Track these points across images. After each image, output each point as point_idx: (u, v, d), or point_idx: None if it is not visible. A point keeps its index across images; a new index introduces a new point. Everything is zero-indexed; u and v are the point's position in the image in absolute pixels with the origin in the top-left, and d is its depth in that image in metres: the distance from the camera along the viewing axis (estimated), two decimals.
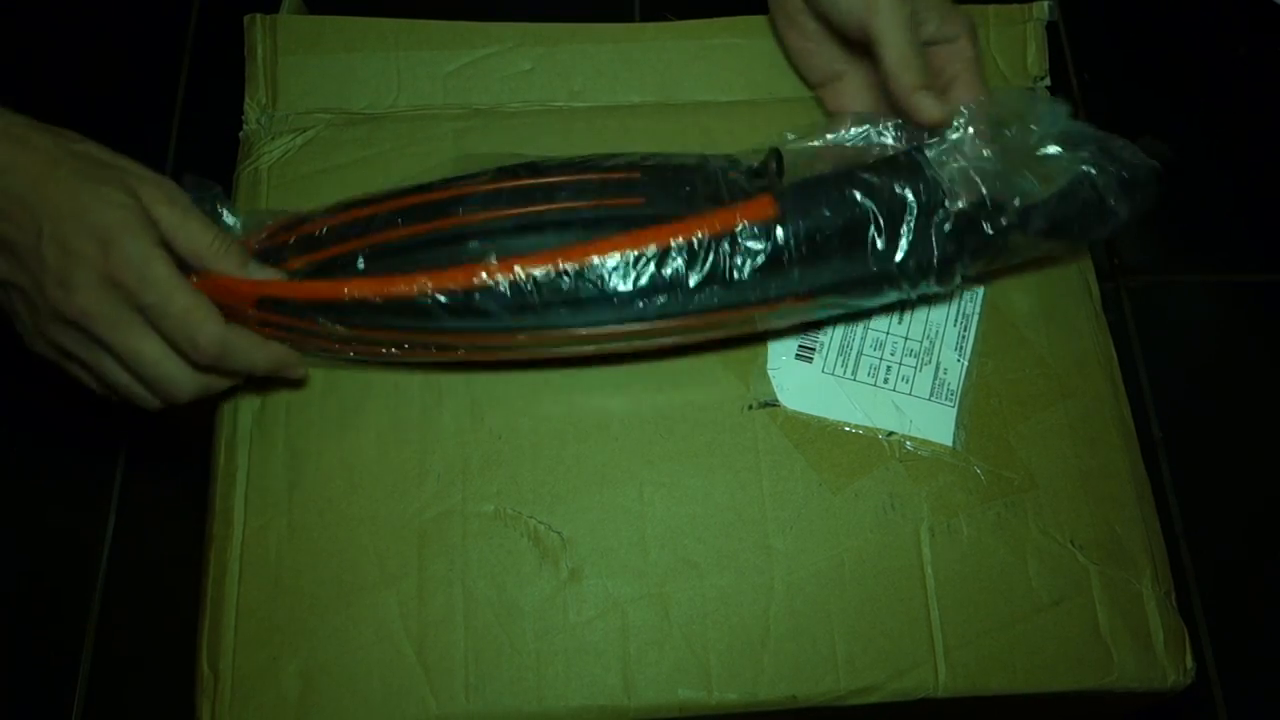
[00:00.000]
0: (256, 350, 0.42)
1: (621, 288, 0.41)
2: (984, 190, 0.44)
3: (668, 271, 0.42)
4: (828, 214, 0.42)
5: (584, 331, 0.43)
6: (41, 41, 0.82)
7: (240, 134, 0.52)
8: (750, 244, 0.42)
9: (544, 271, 0.41)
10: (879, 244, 0.43)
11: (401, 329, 0.42)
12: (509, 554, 0.44)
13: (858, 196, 0.43)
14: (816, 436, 0.47)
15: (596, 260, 0.41)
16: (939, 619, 0.44)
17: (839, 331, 0.49)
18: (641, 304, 0.42)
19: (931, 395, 0.48)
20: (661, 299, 0.42)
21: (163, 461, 0.70)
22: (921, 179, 0.43)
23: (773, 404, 0.47)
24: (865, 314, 0.49)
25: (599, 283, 0.41)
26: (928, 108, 0.45)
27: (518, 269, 0.41)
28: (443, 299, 0.41)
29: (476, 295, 0.41)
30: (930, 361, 0.48)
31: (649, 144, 0.50)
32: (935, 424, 0.47)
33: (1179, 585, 0.46)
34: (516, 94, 0.53)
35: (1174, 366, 0.76)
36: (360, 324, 0.42)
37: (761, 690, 0.43)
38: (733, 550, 0.45)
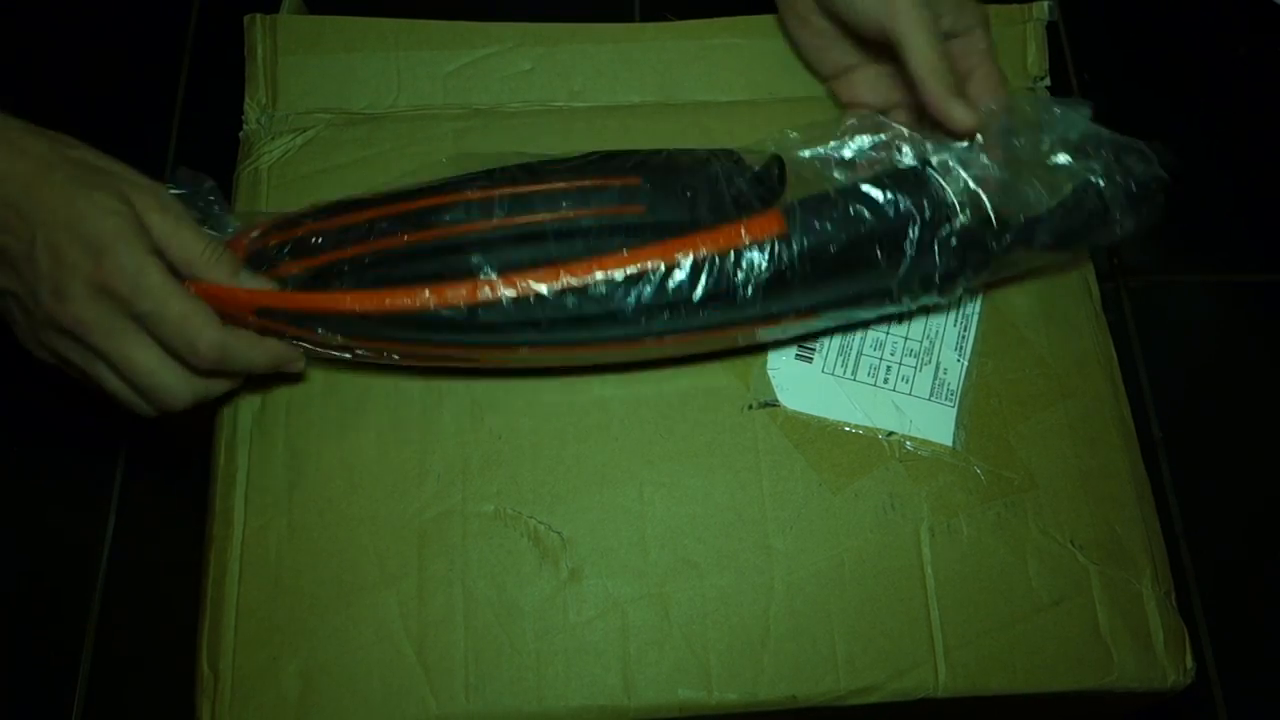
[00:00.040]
0: (255, 350, 0.42)
1: (626, 304, 0.41)
2: (989, 205, 0.44)
3: (672, 288, 0.41)
4: (835, 232, 0.42)
5: (586, 347, 0.43)
6: (41, 41, 0.82)
7: (240, 134, 0.52)
8: (756, 262, 0.41)
9: (548, 287, 0.41)
10: (883, 261, 0.43)
11: (403, 340, 0.42)
12: (509, 554, 0.44)
13: (865, 214, 0.42)
14: (816, 436, 0.47)
15: (601, 276, 0.41)
16: (939, 619, 0.44)
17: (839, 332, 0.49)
18: (644, 320, 0.42)
19: (931, 395, 0.48)
20: (665, 315, 0.42)
21: (163, 462, 0.70)
22: (928, 196, 0.43)
23: (773, 404, 0.47)
24: (864, 321, 0.49)
25: (603, 299, 0.41)
26: (960, 116, 0.45)
27: (520, 284, 0.41)
28: (444, 313, 0.41)
29: (479, 310, 0.41)
30: (930, 361, 0.48)
31: (649, 144, 0.50)
32: (935, 424, 0.47)
33: (1179, 585, 0.46)
34: (516, 94, 0.53)
35: (1174, 366, 0.76)
36: (360, 334, 0.42)
37: (761, 690, 0.43)
38: (733, 550, 0.45)
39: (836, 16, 0.49)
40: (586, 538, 0.45)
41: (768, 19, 0.55)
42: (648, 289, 0.41)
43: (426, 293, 0.41)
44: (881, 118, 0.47)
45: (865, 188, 0.43)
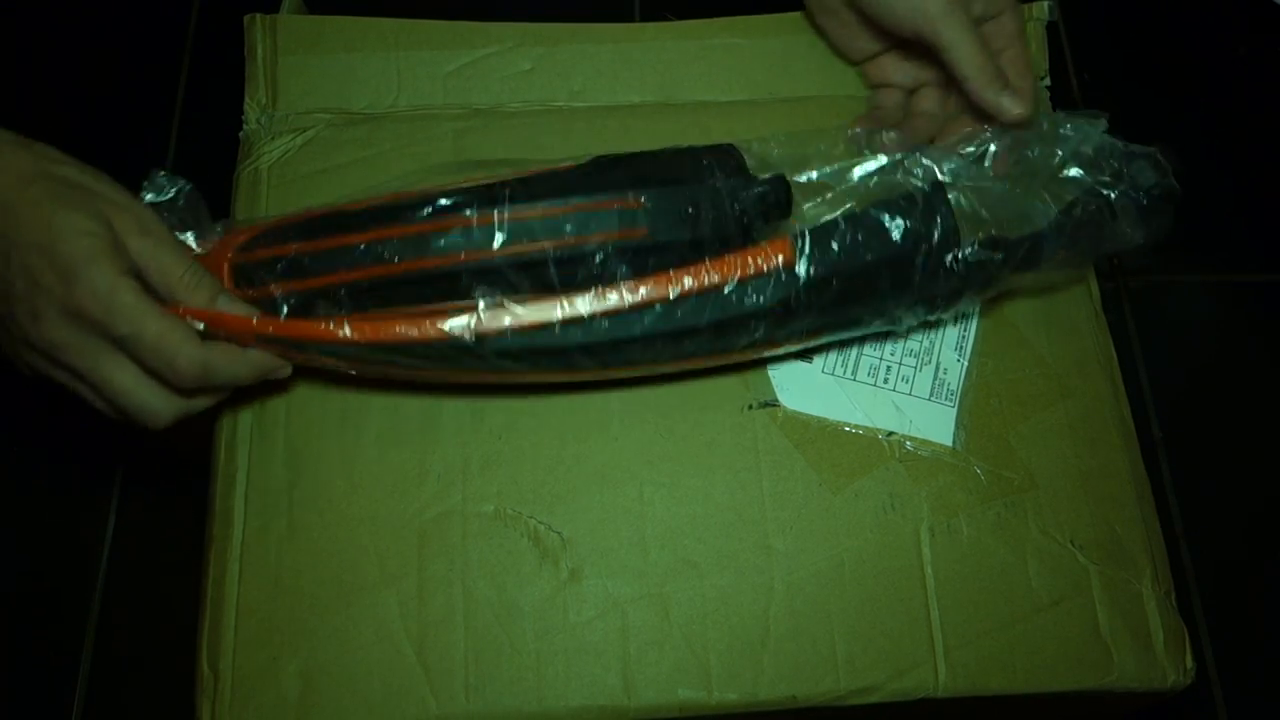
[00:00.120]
0: (238, 363, 0.41)
1: (631, 332, 0.41)
2: (995, 227, 0.44)
3: (677, 318, 0.41)
4: (843, 260, 0.42)
5: (588, 371, 0.43)
6: (41, 41, 0.82)
7: (240, 134, 0.52)
8: (762, 291, 0.41)
9: (550, 318, 0.40)
10: (890, 287, 0.43)
11: (402, 365, 0.41)
12: (509, 554, 0.44)
13: (873, 242, 0.42)
14: (816, 436, 0.47)
15: (605, 307, 0.41)
16: (939, 619, 0.44)
17: None
18: (648, 348, 0.42)
19: (931, 395, 0.48)
20: (669, 343, 0.42)
21: (163, 462, 0.70)
22: (937, 225, 0.42)
23: (773, 404, 0.47)
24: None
25: (607, 330, 0.41)
26: (1008, 107, 0.45)
27: (523, 314, 0.40)
28: (446, 342, 0.40)
29: (481, 339, 0.40)
30: (930, 361, 0.48)
31: (649, 144, 0.50)
32: (935, 424, 0.47)
33: (1179, 585, 0.46)
34: (516, 94, 0.53)
35: (1174, 366, 0.76)
36: (357, 359, 0.41)
37: (761, 690, 0.43)
38: (733, 550, 0.45)
39: (868, 15, 0.49)
40: (586, 538, 0.45)
41: (768, 19, 0.55)
42: (651, 319, 0.41)
43: (427, 323, 0.40)
44: (889, 135, 0.47)
45: (873, 214, 0.42)
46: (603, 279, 0.41)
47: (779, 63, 0.54)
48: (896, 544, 0.45)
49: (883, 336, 0.49)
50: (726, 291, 0.41)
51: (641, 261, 0.41)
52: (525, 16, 0.54)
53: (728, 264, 0.41)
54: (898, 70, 0.52)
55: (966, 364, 0.49)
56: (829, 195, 0.45)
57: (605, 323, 0.41)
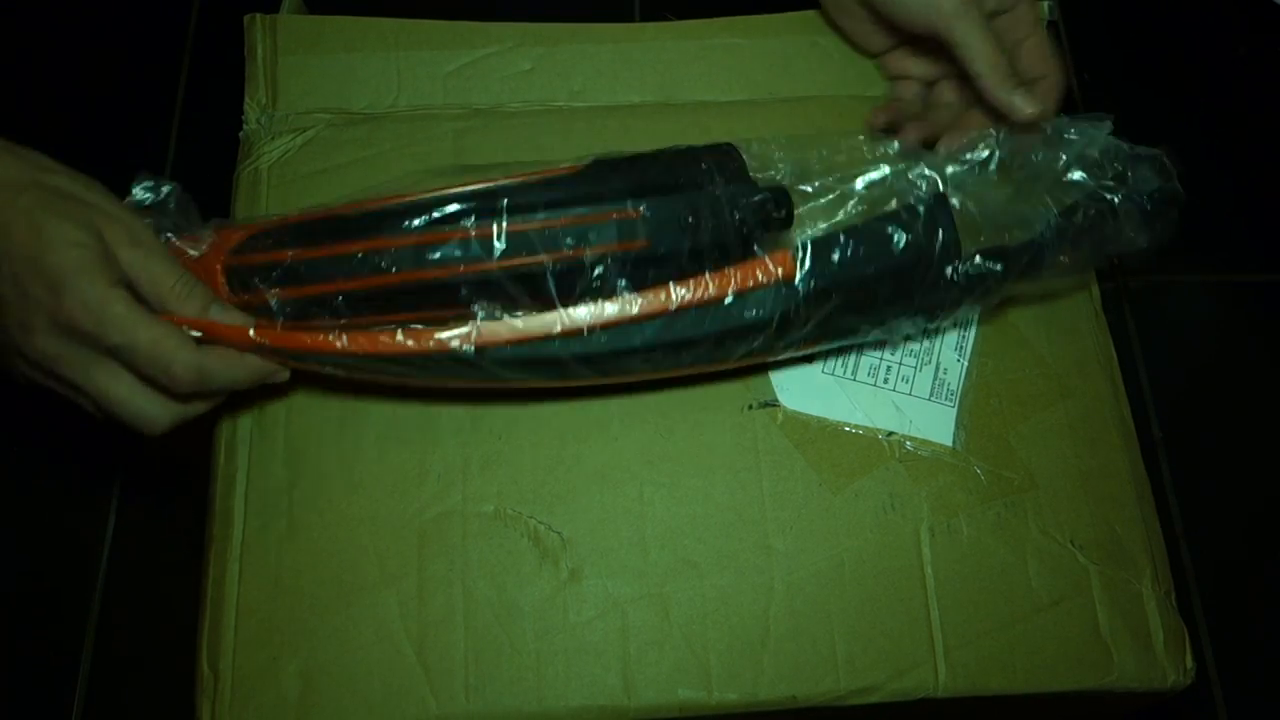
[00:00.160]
0: (235, 367, 0.40)
1: (630, 343, 0.41)
2: (1000, 235, 0.43)
3: (678, 328, 0.41)
4: (845, 273, 0.42)
5: (587, 381, 0.43)
6: (42, 41, 0.82)
7: (240, 134, 0.52)
8: (763, 304, 0.41)
9: (549, 331, 0.40)
10: (891, 300, 0.43)
11: (398, 375, 0.41)
12: (509, 554, 0.44)
13: (875, 255, 0.42)
14: (816, 436, 0.47)
15: (604, 319, 0.40)
16: (939, 619, 0.44)
17: None
18: (647, 358, 0.42)
19: (931, 395, 0.48)
20: (667, 354, 0.42)
21: (163, 462, 0.70)
22: (939, 238, 0.42)
23: (773, 404, 0.47)
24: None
25: (606, 342, 0.41)
26: (1020, 106, 0.45)
27: (521, 327, 0.40)
28: (444, 354, 0.40)
29: (479, 351, 0.40)
30: (930, 361, 0.48)
31: (649, 144, 0.50)
32: (935, 424, 0.47)
33: (1179, 585, 0.46)
34: (516, 94, 0.53)
35: (1174, 366, 0.76)
36: (355, 368, 0.41)
37: (761, 690, 0.43)
38: (733, 550, 0.45)
39: (880, 13, 0.49)
40: (586, 538, 0.45)
41: (768, 19, 0.55)
42: (650, 331, 0.41)
43: (425, 335, 0.40)
44: (892, 144, 0.46)
45: (875, 226, 0.42)
46: (602, 291, 0.41)
47: (779, 63, 0.54)
48: (896, 544, 0.45)
49: None
50: (726, 304, 0.41)
51: (641, 272, 0.41)
52: (525, 16, 0.54)
53: (728, 276, 0.41)
54: (914, 64, 0.52)
55: (966, 364, 0.49)
56: (830, 203, 0.45)
57: (604, 335, 0.40)
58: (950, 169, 0.45)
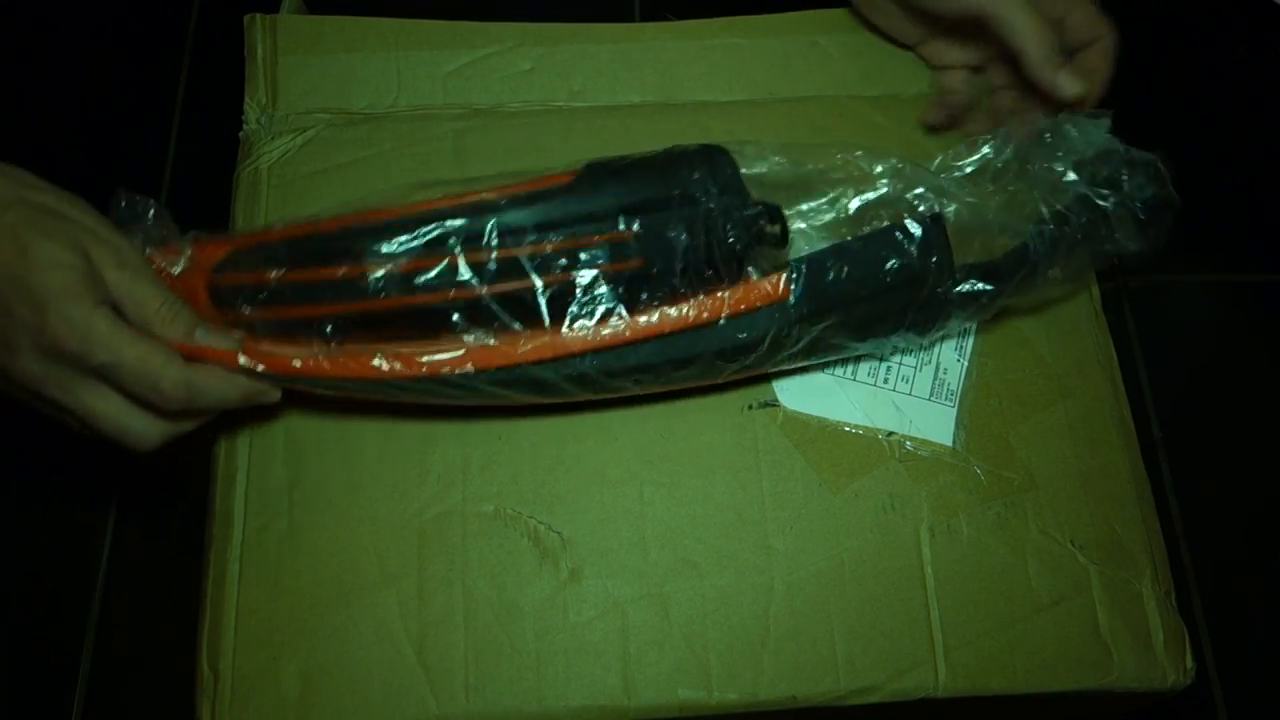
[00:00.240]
0: (225, 385, 0.40)
1: (625, 363, 0.41)
2: (994, 245, 0.43)
3: (671, 350, 0.41)
4: (839, 295, 0.42)
5: (579, 399, 0.43)
6: (42, 41, 0.82)
7: (240, 134, 0.52)
8: (758, 325, 0.41)
9: (540, 356, 0.40)
10: (884, 320, 0.43)
11: (388, 396, 0.41)
12: (509, 554, 0.44)
13: (871, 279, 0.42)
14: (816, 436, 0.47)
15: (600, 342, 0.40)
16: (939, 619, 0.44)
17: None
18: (639, 380, 0.42)
19: (931, 395, 0.48)
20: (660, 372, 0.42)
21: (163, 462, 0.70)
22: (933, 260, 0.42)
23: (773, 404, 0.47)
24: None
25: (600, 363, 0.40)
26: (1065, 86, 0.45)
27: (514, 353, 0.40)
28: (434, 379, 0.40)
29: (479, 376, 0.40)
30: (930, 361, 0.48)
31: (649, 144, 0.50)
32: (935, 424, 0.47)
33: (1179, 585, 0.46)
34: (516, 94, 0.53)
35: (1174, 366, 0.76)
36: (346, 390, 0.41)
37: (761, 690, 0.43)
38: (733, 550, 0.45)
39: (917, 5, 0.49)
40: (586, 538, 0.45)
41: (768, 19, 0.55)
42: (643, 352, 0.41)
43: (414, 360, 0.39)
44: (889, 159, 0.45)
45: (870, 248, 0.42)
46: (594, 312, 0.40)
47: (779, 63, 0.54)
48: (896, 544, 0.45)
49: None
50: (720, 324, 0.41)
51: (634, 291, 0.41)
52: (525, 16, 0.54)
53: (721, 300, 0.41)
54: (956, 51, 0.52)
55: (966, 364, 0.49)
56: (826, 224, 0.44)
57: (595, 358, 0.40)
58: (946, 177, 0.45)
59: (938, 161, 0.46)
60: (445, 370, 0.40)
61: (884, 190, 0.43)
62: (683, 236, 0.41)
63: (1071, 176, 0.45)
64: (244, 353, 0.39)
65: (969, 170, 0.45)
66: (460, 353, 0.40)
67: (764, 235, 0.42)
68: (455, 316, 0.40)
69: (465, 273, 0.40)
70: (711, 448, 0.46)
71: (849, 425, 0.47)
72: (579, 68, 0.53)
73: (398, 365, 0.39)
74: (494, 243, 0.40)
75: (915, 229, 0.42)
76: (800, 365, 0.45)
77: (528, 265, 0.40)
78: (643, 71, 0.54)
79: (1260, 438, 0.74)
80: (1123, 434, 0.48)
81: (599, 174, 0.42)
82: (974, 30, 0.49)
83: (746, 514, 0.45)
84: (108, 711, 0.63)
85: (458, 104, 0.52)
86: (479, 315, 0.40)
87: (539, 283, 0.40)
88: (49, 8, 0.83)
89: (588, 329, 0.40)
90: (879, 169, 0.44)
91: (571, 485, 0.45)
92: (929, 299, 0.43)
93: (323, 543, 0.44)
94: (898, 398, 0.48)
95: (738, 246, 0.41)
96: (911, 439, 0.47)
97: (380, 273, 0.40)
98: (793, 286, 0.41)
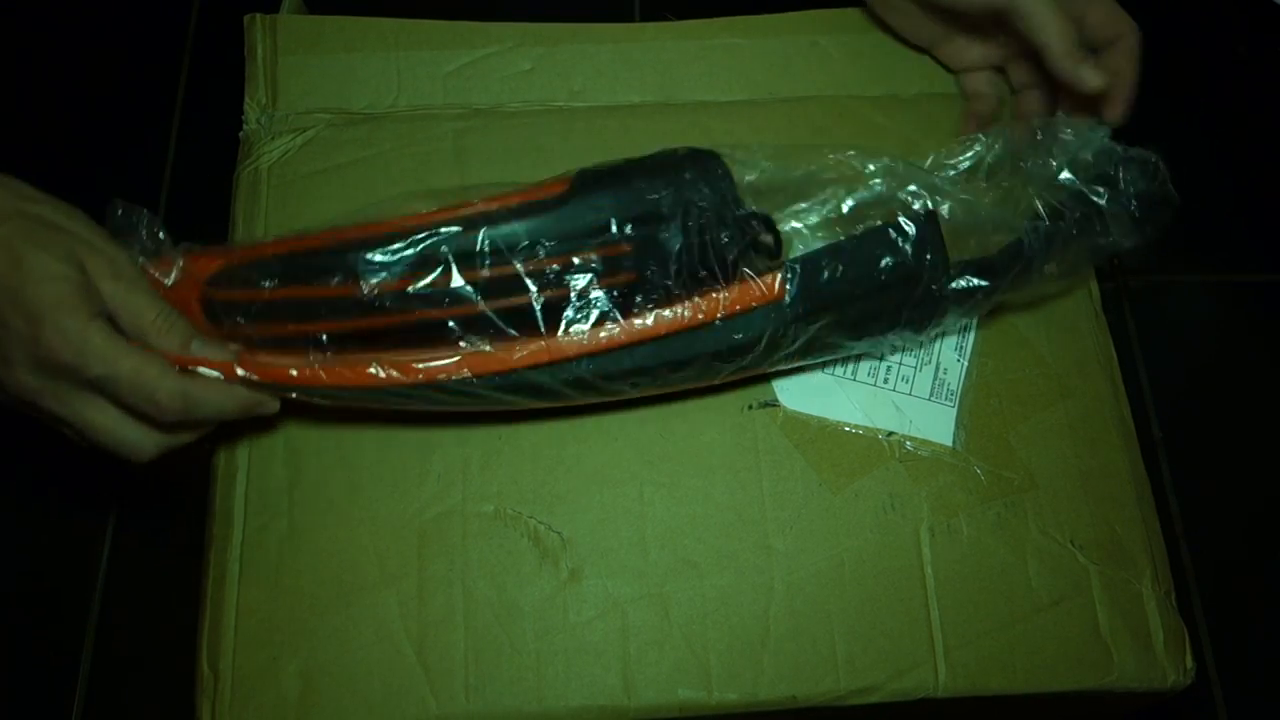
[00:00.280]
0: (222, 395, 0.40)
1: (621, 366, 0.41)
2: (989, 242, 0.43)
3: (667, 352, 0.41)
4: (834, 294, 0.42)
5: (577, 402, 0.43)
6: (42, 41, 0.82)
7: (240, 134, 0.52)
8: (753, 326, 0.41)
9: (537, 361, 0.40)
10: (879, 318, 0.43)
11: (385, 404, 0.41)
12: (509, 554, 0.44)
13: (866, 278, 0.42)
14: (816, 436, 0.47)
15: (596, 346, 0.40)
16: (939, 619, 0.44)
17: None
18: (636, 383, 0.42)
19: (931, 395, 0.48)
20: (657, 375, 0.42)
21: (163, 462, 0.70)
22: (928, 258, 0.42)
23: (773, 404, 0.47)
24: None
25: (596, 367, 0.41)
26: (1088, 79, 0.45)
27: (510, 360, 0.40)
28: (430, 386, 0.40)
29: (476, 382, 0.40)
30: (930, 361, 0.48)
31: (649, 144, 0.50)
32: (935, 424, 0.47)
33: (1179, 585, 0.46)
34: (516, 94, 0.53)
35: (1174, 366, 0.76)
36: (343, 399, 0.41)
37: (761, 690, 0.43)
38: (733, 550, 0.45)
39: (935, 2, 0.49)
40: (586, 538, 0.45)
41: (768, 19, 0.55)
42: (640, 355, 0.41)
43: (412, 368, 0.39)
44: (881, 158, 0.45)
45: (864, 247, 0.42)
46: (589, 318, 0.40)
47: (779, 63, 0.54)
48: (896, 544, 0.45)
49: None
50: (716, 325, 0.41)
51: (629, 299, 0.41)
52: (525, 16, 0.54)
53: (716, 301, 0.41)
54: (975, 50, 0.51)
55: (966, 364, 0.49)
56: (819, 223, 0.44)
57: (591, 362, 0.41)
58: (939, 176, 0.45)
59: (930, 160, 0.46)
60: (442, 377, 0.40)
61: (877, 189, 0.43)
62: (677, 240, 0.41)
63: (1066, 174, 0.45)
64: (240, 363, 0.40)
65: (962, 168, 0.45)
66: (456, 359, 0.40)
67: (758, 244, 0.42)
68: (452, 327, 0.40)
69: (461, 288, 0.40)
70: (711, 448, 0.46)
71: (849, 425, 0.47)
72: (579, 68, 0.53)
73: (394, 373, 0.40)
74: (488, 258, 0.40)
75: (909, 226, 0.42)
76: (798, 365, 0.45)
77: (523, 277, 0.40)
78: (643, 71, 0.54)
79: (1260, 438, 0.74)
80: (1123, 434, 0.48)
81: (591, 182, 0.42)
82: (994, 26, 0.49)
83: (746, 514, 0.45)
84: (108, 711, 0.63)
85: (458, 104, 0.52)
86: (476, 326, 0.40)
87: (535, 293, 0.40)
88: (49, 8, 0.83)
89: (583, 333, 0.40)
90: (871, 168, 0.43)
91: (571, 485, 0.45)
92: (924, 296, 0.43)
93: (323, 543, 0.44)
94: (898, 398, 0.48)
95: (731, 249, 0.41)
96: (911, 439, 0.47)
97: (375, 290, 0.40)
98: (788, 286, 0.41)
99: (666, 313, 0.41)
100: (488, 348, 0.40)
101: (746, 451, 0.46)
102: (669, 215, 0.41)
